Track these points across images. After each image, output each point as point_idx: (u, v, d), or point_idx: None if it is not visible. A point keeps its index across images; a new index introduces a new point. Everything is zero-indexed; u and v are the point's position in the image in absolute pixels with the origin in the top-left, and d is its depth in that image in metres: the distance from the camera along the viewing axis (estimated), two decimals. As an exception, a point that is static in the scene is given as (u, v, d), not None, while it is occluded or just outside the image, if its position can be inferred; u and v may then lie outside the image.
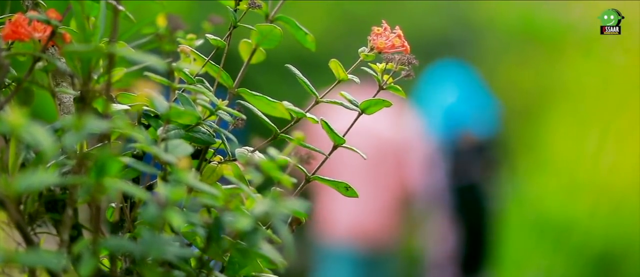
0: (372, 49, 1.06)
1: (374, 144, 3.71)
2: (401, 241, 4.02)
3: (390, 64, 1.06)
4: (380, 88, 1.08)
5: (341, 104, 1.08)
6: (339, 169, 3.59)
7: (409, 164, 3.90)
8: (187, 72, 1.02)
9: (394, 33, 1.06)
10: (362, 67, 1.08)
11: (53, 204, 0.97)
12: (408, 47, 1.05)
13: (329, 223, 3.85)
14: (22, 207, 0.95)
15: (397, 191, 3.86)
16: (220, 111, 1.02)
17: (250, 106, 1.06)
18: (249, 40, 1.09)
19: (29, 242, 0.91)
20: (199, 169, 1.05)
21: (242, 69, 1.09)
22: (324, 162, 1.08)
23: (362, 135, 3.38)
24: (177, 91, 0.99)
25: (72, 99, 1.03)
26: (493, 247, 4.06)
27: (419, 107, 4.07)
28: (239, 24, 1.08)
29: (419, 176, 3.93)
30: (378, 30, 1.06)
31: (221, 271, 0.99)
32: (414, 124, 3.98)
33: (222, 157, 1.06)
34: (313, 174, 1.08)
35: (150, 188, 1.01)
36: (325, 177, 1.08)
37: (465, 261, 3.98)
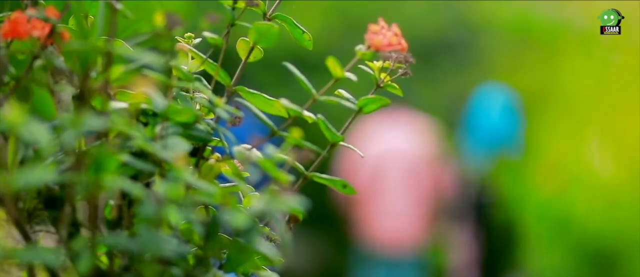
0: (368, 47, 1.06)
1: (407, 161, 4.26)
2: (432, 247, 4.42)
3: (387, 62, 1.06)
4: (377, 86, 1.08)
5: (338, 102, 1.08)
6: (381, 184, 4.16)
7: (441, 178, 4.34)
8: (185, 70, 1.02)
9: (391, 31, 1.05)
10: (360, 66, 1.08)
11: (51, 202, 0.97)
12: (405, 44, 1.05)
13: (370, 229, 4.27)
14: (20, 204, 0.95)
15: (431, 201, 4.31)
16: (218, 109, 1.02)
17: (248, 104, 1.07)
18: (247, 39, 1.09)
19: (28, 239, 0.91)
20: (197, 166, 1.05)
21: (240, 66, 1.09)
22: (320, 158, 1.08)
23: (396, 155, 4.20)
24: (175, 89, 0.99)
25: (70, 97, 1.03)
26: (514, 254, 4.31)
27: (465, 127, 4.51)
28: (236, 22, 1.08)
29: (450, 188, 4.36)
30: (375, 28, 1.05)
31: (219, 268, 0.99)
32: (438, 143, 4.46)
33: (219, 155, 1.07)
34: (310, 171, 1.09)
35: (148, 185, 1.01)
36: (323, 176, 1.09)
37: (487, 268, 4.33)
